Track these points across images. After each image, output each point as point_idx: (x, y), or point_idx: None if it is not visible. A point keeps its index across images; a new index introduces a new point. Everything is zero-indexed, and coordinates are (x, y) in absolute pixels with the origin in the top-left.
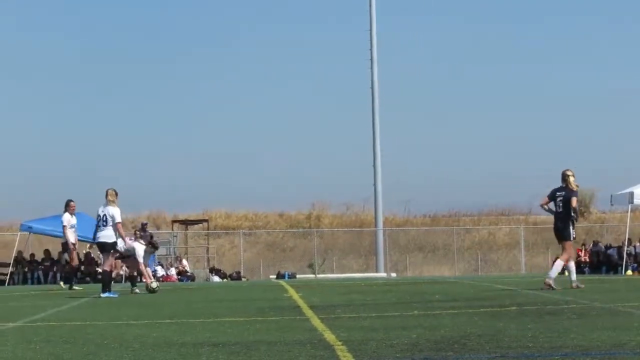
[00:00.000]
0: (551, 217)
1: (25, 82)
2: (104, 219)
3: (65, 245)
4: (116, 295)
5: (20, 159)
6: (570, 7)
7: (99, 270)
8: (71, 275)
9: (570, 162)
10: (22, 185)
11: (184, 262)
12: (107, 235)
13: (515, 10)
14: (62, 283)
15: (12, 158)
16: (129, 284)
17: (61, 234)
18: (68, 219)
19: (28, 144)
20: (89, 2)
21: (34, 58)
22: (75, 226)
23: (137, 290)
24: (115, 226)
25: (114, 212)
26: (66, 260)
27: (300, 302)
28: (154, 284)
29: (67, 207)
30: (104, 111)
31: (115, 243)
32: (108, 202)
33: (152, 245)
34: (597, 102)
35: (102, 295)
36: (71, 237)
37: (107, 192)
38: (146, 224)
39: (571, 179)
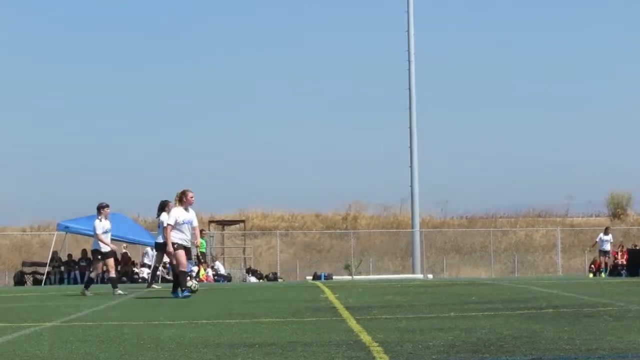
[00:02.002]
0: (586, 220)
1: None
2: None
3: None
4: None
5: (61, 158)
6: None
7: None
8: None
9: (608, 164)
10: (60, 185)
11: (217, 263)
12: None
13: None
14: (154, 285)
15: (52, 157)
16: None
17: None
18: (166, 218)
19: (70, 143)
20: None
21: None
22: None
23: (119, 292)
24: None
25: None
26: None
27: (337, 303)
28: (194, 284)
29: (166, 207)
30: (140, 110)
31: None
32: None
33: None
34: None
35: (181, 295)
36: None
37: None
38: None
39: None
